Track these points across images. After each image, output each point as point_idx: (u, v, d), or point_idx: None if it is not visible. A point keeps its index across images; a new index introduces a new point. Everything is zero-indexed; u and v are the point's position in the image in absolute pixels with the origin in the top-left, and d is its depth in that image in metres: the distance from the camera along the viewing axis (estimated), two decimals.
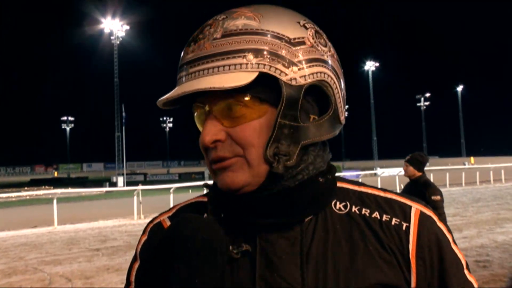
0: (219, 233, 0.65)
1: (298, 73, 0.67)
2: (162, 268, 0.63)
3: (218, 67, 0.65)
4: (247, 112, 0.67)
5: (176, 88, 0.69)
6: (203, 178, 39.98)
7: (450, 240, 0.72)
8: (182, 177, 50.03)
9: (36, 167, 77.51)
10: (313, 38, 0.70)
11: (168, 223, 0.78)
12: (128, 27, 47.84)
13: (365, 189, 0.76)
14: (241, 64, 0.65)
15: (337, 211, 0.72)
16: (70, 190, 20.01)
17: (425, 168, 4.62)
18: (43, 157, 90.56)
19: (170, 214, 0.81)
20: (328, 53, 0.72)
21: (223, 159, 0.67)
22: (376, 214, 0.72)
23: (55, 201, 12.47)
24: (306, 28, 0.70)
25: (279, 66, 0.66)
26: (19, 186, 39.65)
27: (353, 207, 0.73)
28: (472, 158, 55.03)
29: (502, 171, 24.52)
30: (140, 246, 0.79)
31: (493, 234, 8.52)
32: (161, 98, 0.69)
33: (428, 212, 0.73)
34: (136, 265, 0.77)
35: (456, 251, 0.72)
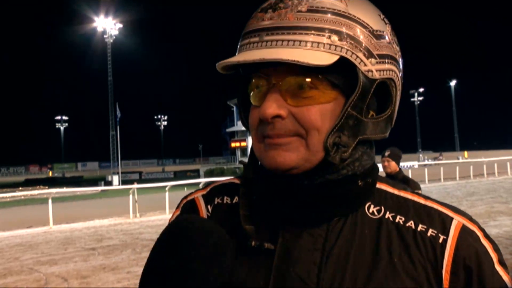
0: (223, 234, 0.65)
1: (375, 66, 0.65)
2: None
3: (301, 41, 0.62)
4: (317, 95, 0.64)
5: (246, 53, 0.65)
6: (198, 176, 39.94)
7: (495, 260, 0.66)
8: (177, 175, 49.88)
9: (30, 167, 77.08)
10: (390, 34, 0.69)
11: (202, 201, 0.78)
12: (121, 26, 47.58)
13: (405, 194, 0.71)
14: (324, 44, 0.62)
15: (369, 214, 0.69)
16: (65, 189, 19.94)
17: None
18: (37, 157, 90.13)
19: (204, 192, 0.80)
20: (399, 53, 0.71)
21: (281, 136, 0.65)
22: (411, 223, 0.67)
23: (50, 200, 12.38)
24: (385, 23, 0.69)
25: (360, 54, 0.64)
26: (14, 186, 39.41)
27: (388, 212, 0.69)
28: (465, 152, 55.32)
29: (495, 165, 24.64)
30: (172, 220, 0.79)
31: (487, 227, 8.59)
32: (229, 60, 0.65)
33: (472, 226, 0.67)
34: None
35: (501, 273, 0.65)
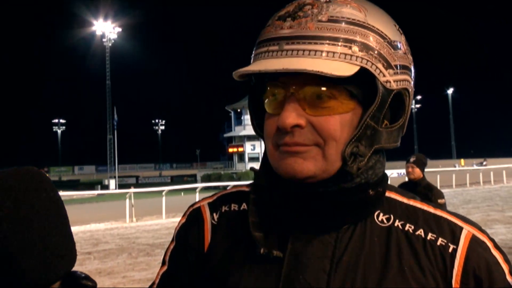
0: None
1: (392, 76, 0.66)
2: None
3: (322, 51, 0.62)
4: (335, 105, 0.64)
5: (265, 61, 0.64)
6: (195, 181, 39.84)
7: (506, 271, 0.65)
8: (174, 180, 49.89)
9: None
10: (405, 45, 0.70)
11: (208, 209, 0.78)
12: (120, 29, 47.68)
13: (414, 203, 0.72)
14: (345, 54, 0.62)
15: (378, 222, 0.69)
16: (61, 193, 19.55)
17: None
18: (34, 159, 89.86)
19: (210, 200, 0.80)
20: (412, 63, 0.71)
21: (299, 144, 0.64)
22: (420, 232, 0.67)
23: None
24: (400, 33, 0.70)
25: (380, 65, 0.64)
26: None
27: (397, 221, 0.69)
28: (462, 160, 55.46)
29: (491, 173, 24.73)
30: (177, 228, 0.80)
31: None
32: (247, 68, 0.65)
33: (482, 236, 0.67)
34: (172, 246, 0.79)
35: None
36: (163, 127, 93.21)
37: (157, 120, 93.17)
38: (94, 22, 47.68)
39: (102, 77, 48.02)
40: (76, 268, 0.63)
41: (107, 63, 46.51)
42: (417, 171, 4.46)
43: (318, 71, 0.60)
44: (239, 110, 40.65)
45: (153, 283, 0.78)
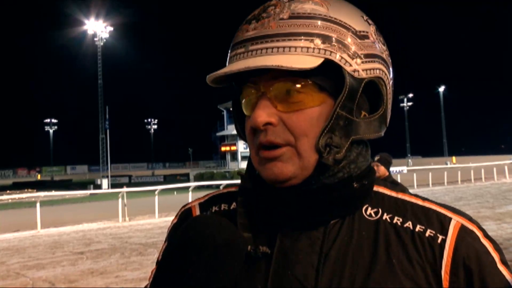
0: (237, 233, 0.65)
1: (361, 66, 0.66)
2: (179, 269, 0.62)
3: (284, 47, 0.64)
4: (305, 99, 0.65)
5: (233, 64, 0.67)
6: (188, 180, 39.72)
7: (497, 259, 0.65)
8: (167, 179, 49.76)
9: (18, 170, 76.09)
10: (375, 34, 0.71)
11: (198, 209, 0.79)
12: (111, 29, 47.43)
13: (403, 196, 0.72)
14: (307, 48, 0.64)
15: (366, 216, 0.69)
16: (53, 193, 19.66)
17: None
18: (26, 159, 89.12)
19: (202, 201, 0.81)
20: (386, 52, 0.72)
21: (274, 146, 0.65)
22: (408, 224, 0.67)
23: (38, 204, 12.26)
24: (369, 24, 0.71)
25: (345, 55, 0.65)
26: (1, 189, 38.78)
27: (385, 214, 0.69)
28: (453, 158, 55.89)
29: (482, 170, 24.89)
30: (170, 229, 0.81)
31: None
32: (216, 72, 0.66)
33: (471, 226, 0.67)
34: (164, 246, 0.78)
35: (505, 272, 0.64)
36: (155, 126, 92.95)
37: (149, 119, 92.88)
38: (86, 21, 47.45)
39: (94, 77, 47.78)
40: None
41: (99, 63, 46.30)
42: (382, 169, 4.75)
43: (278, 66, 0.61)
44: (231, 109, 40.57)
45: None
